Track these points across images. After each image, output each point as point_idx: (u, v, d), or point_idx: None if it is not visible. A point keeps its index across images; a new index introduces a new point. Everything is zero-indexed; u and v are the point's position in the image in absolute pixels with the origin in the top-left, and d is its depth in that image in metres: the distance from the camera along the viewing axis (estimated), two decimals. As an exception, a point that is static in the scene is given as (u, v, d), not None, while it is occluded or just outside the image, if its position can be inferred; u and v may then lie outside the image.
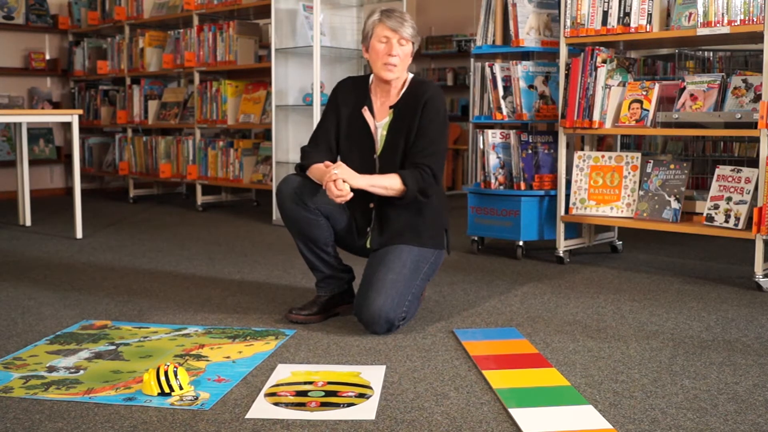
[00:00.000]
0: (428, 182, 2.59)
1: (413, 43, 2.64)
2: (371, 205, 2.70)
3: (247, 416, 1.86)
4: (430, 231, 2.70)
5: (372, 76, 2.75)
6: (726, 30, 3.29)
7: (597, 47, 3.68)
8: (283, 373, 2.17)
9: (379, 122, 2.71)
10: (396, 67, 2.62)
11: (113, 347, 2.42)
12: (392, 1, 5.21)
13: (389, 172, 2.63)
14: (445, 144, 2.67)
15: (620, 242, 4.20)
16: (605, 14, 3.60)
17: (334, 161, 2.70)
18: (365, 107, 2.71)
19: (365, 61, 6.56)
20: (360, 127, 2.71)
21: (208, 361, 2.27)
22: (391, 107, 2.69)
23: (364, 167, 2.65)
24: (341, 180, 2.50)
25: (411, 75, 2.75)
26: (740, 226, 3.29)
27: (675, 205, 3.54)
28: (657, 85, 3.58)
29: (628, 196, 3.71)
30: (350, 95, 2.74)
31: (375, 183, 2.58)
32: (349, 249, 2.85)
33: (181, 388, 2.00)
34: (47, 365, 2.24)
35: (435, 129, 2.63)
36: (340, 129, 2.74)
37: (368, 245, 2.77)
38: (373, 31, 2.63)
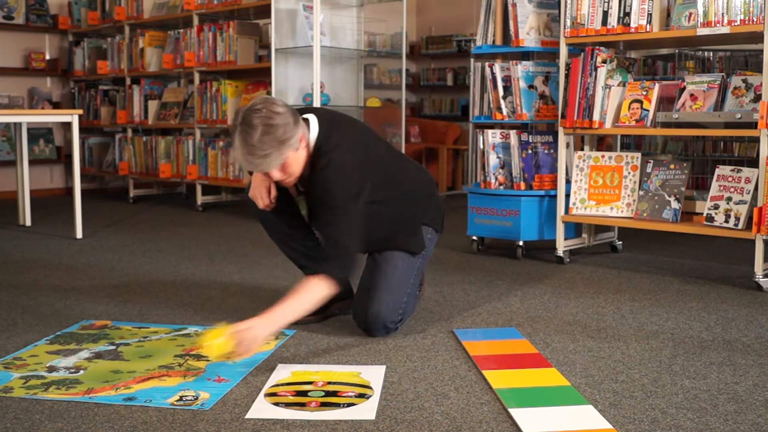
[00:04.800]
0: (346, 263, 2.34)
1: (288, 155, 2.26)
2: None
3: (247, 416, 1.86)
4: (411, 231, 2.60)
5: None
6: (726, 30, 3.29)
7: (597, 47, 3.68)
8: (283, 373, 2.17)
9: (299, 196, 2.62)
10: (284, 180, 2.39)
11: (113, 347, 2.42)
12: (392, 1, 5.21)
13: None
14: (350, 207, 2.35)
15: (620, 242, 4.20)
16: (605, 14, 3.60)
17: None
18: None
19: (365, 61, 6.56)
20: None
21: (208, 361, 2.27)
22: (300, 190, 2.54)
23: (299, 223, 2.66)
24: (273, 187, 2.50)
25: (314, 139, 2.37)
26: (740, 226, 3.29)
27: (675, 205, 3.54)
28: (657, 85, 3.58)
29: (628, 196, 3.71)
30: None
31: (290, 318, 2.25)
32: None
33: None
34: (47, 365, 2.24)
35: (331, 200, 2.33)
36: None
37: None
38: None
